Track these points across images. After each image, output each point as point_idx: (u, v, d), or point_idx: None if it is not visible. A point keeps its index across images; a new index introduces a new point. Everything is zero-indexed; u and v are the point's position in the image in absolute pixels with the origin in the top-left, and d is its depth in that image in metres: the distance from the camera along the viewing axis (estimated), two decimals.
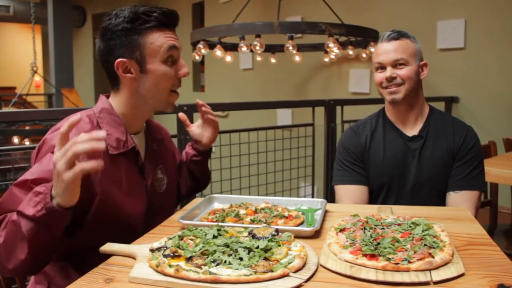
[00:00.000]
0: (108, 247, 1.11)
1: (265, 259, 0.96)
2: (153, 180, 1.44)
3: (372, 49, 3.93)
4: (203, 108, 1.65)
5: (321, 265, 0.99)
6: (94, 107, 1.36)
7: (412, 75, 1.69)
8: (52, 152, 1.14)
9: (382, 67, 1.72)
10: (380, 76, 1.73)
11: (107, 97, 1.39)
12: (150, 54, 1.29)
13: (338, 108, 3.70)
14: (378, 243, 1.03)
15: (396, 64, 1.69)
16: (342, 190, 1.81)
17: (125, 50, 1.28)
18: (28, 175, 1.15)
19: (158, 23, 1.29)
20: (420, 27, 4.45)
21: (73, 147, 0.95)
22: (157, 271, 0.95)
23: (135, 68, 1.30)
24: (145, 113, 1.40)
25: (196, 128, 1.70)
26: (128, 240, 1.18)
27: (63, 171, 0.96)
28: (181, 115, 1.71)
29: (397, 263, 0.93)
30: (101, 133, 0.97)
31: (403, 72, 1.69)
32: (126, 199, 1.30)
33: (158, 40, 1.29)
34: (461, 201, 1.68)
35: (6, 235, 1.07)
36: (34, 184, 1.11)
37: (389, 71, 1.70)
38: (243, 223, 1.29)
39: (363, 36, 3.93)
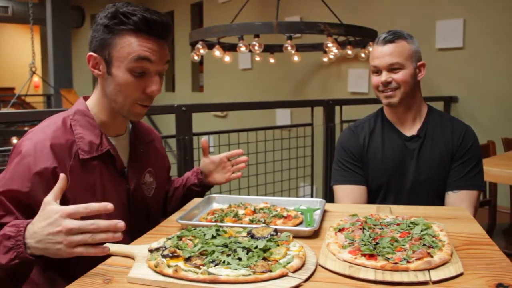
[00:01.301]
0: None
1: (264, 259, 0.96)
2: (140, 184, 1.39)
3: (371, 49, 3.94)
4: (239, 158, 1.60)
5: (320, 265, 0.98)
6: (70, 108, 1.32)
7: (408, 79, 1.68)
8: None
9: (377, 70, 1.72)
10: (376, 79, 1.72)
11: (86, 99, 1.35)
12: (117, 58, 1.21)
13: (337, 108, 3.71)
14: (377, 243, 1.03)
15: (391, 68, 1.67)
16: (341, 190, 1.81)
17: (98, 45, 1.23)
18: None
19: (135, 27, 1.19)
20: (419, 27, 4.45)
21: (96, 236, 0.96)
22: (156, 272, 0.95)
23: (103, 66, 1.24)
24: (118, 115, 1.31)
25: (210, 164, 1.62)
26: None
27: (71, 245, 0.96)
28: (204, 141, 1.61)
29: (396, 263, 0.93)
30: (121, 224, 0.97)
31: (398, 76, 1.68)
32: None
33: (129, 46, 1.19)
34: (460, 200, 1.68)
35: None
36: (3, 196, 1.10)
37: (384, 76, 1.69)
38: (242, 223, 1.29)
39: (362, 36, 3.94)
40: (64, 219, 0.96)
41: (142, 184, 1.40)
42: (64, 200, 1.13)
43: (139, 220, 1.38)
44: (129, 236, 1.26)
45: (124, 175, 1.34)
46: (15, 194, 1.12)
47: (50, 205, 1.00)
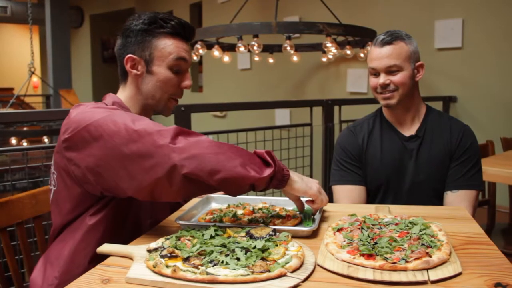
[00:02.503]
0: (105, 247, 1.11)
1: (263, 259, 0.96)
2: None
3: (369, 50, 3.94)
4: None
5: (318, 265, 0.98)
6: (104, 100, 1.39)
7: (406, 81, 1.68)
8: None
9: (375, 72, 1.71)
10: (374, 81, 1.72)
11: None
12: (159, 57, 1.36)
13: (336, 108, 3.71)
14: (376, 243, 1.03)
15: (389, 70, 1.67)
16: (340, 190, 1.81)
17: (137, 48, 1.36)
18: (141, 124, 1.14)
19: (173, 30, 1.37)
20: (418, 26, 4.46)
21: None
22: (154, 272, 0.95)
23: (142, 66, 1.37)
24: (147, 112, 1.44)
25: None
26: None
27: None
28: None
29: (394, 263, 0.93)
30: None
31: (396, 78, 1.67)
32: None
33: (169, 46, 1.36)
34: (458, 200, 1.68)
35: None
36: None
37: (382, 78, 1.69)
38: (240, 223, 1.29)
39: (361, 36, 3.94)
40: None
41: None
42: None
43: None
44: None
45: None
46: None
47: None
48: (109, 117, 1.17)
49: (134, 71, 1.37)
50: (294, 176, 1.24)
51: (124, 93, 1.42)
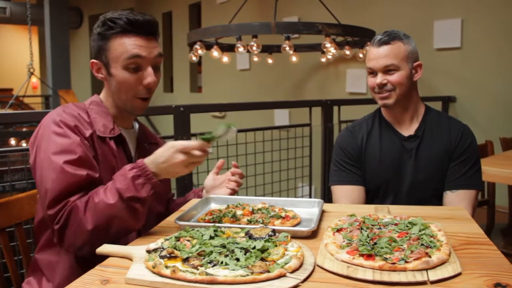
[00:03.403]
0: (104, 248, 1.11)
1: (262, 259, 0.96)
2: None
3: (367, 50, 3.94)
4: (234, 178, 1.64)
5: (318, 265, 0.98)
6: (85, 101, 1.45)
7: (403, 80, 1.68)
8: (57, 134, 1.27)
9: (373, 72, 1.71)
10: (371, 81, 1.72)
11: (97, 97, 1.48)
12: (113, 59, 1.36)
13: (335, 108, 3.71)
14: (375, 243, 1.03)
15: (386, 70, 1.68)
16: (339, 191, 1.81)
17: (97, 52, 1.39)
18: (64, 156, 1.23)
19: (122, 29, 1.34)
20: (417, 27, 4.45)
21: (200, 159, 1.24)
22: (154, 272, 0.95)
23: (104, 70, 1.40)
24: (123, 113, 1.45)
25: (215, 179, 1.67)
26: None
27: (188, 166, 1.24)
28: (221, 163, 1.69)
29: (394, 263, 0.93)
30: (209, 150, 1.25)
31: (393, 78, 1.68)
32: None
33: (121, 46, 1.34)
34: (458, 200, 1.68)
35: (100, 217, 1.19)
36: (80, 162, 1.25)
37: (379, 78, 1.69)
38: (240, 224, 1.29)
39: (360, 36, 3.93)
40: (179, 154, 1.21)
41: None
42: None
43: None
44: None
45: (131, 161, 1.43)
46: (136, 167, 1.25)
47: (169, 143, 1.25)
48: (44, 163, 1.24)
49: (100, 75, 1.41)
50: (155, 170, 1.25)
51: (103, 93, 1.47)
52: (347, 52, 4.23)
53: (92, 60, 1.40)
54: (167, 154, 1.23)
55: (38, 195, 1.32)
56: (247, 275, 0.90)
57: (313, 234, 1.20)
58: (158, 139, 1.65)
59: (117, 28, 1.33)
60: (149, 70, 1.37)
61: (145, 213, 1.26)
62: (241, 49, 3.85)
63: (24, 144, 5.76)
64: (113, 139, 1.38)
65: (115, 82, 1.37)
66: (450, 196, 1.71)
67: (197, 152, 1.23)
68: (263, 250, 0.99)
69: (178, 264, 0.96)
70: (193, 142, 1.24)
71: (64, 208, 1.20)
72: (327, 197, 3.40)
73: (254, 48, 3.78)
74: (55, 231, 1.21)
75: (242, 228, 1.16)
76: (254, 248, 0.99)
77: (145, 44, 1.35)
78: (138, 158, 1.43)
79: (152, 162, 1.24)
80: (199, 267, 0.93)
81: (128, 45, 1.33)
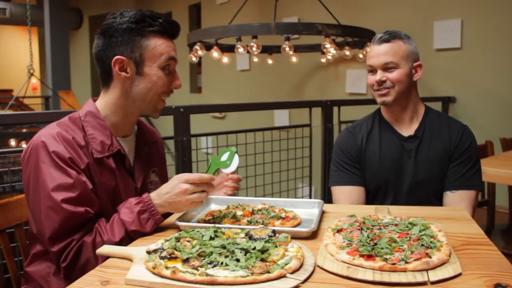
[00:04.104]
0: (105, 249, 1.11)
1: (262, 260, 0.96)
2: (146, 183, 1.45)
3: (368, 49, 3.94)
4: (230, 184, 1.62)
5: (318, 266, 0.98)
6: (80, 110, 1.36)
7: (403, 78, 1.68)
8: (53, 167, 1.22)
9: (373, 69, 1.72)
10: (371, 78, 1.73)
11: (95, 100, 1.39)
12: (150, 58, 1.31)
13: (335, 109, 3.71)
14: (375, 244, 1.03)
15: (386, 67, 1.68)
16: (339, 191, 1.81)
17: (126, 48, 1.29)
18: (61, 193, 1.20)
19: (161, 29, 1.31)
20: (417, 27, 4.46)
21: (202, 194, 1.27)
22: (154, 273, 0.94)
23: (132, 68, 1.31)
24: (132, 116, 1.39)
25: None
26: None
27: (193, 201, 1.26)
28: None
29: (394, 264, 0.93)
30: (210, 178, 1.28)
31: (393, 75, 1.68)
32: (118, 201, 1.31)
33: (160, 46, 1.31)
34: (458, 200, 1.68)
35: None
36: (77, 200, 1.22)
37: (379, 75, 1.69)
38: (240, 225, 1.29)
39: (360, 37, 3.93)
40: (182, 183, 1.24)
41: (148, 183, 1.46)
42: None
43: None
44: None
45: (132, 174, 1.40)
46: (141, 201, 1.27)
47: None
48: (42, 197, 1.22)
49: (123, 74, 1.31)
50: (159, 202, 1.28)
51: (105, 99, 1.36)
52: (347, 53, 4.24)
53: (119, 57, 1.29)
54: (171, 184, 1.26)
55: (29, 211, 1.31)
56: (247, 275, 0.90)
57: (313, 235, 1.20)
58: (156, 135, 1.62)
59: (157, 27, 1.30)
60: (177, 74, 1.39)
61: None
62: (241, 49, 3.85)
63: (24, 145, 5.76)
64: (111, 156, 1.33)
65: (146, 82, 1.32)
66: (450, 196, 1.71)
67: (200, 180, 1.26)
68: (263, 251, 0.99)
69: (178, 265, 0.96)
70: (197, 174, 1.26)
71: (69, 246, 1.19)
72: (327, 198, 3.40)
73: (254, 48, 3.78)
74: (62, 268, 1.20)
75: (242, 229, 1.16)
76: (254, 248, 0.99)
77: (175, 48, 1.36)
78: (138, 167, 1.43)
79: (156, 195, 1.27)
80: (199, 268, 0.93)
81: (166, 46, 1.32)
